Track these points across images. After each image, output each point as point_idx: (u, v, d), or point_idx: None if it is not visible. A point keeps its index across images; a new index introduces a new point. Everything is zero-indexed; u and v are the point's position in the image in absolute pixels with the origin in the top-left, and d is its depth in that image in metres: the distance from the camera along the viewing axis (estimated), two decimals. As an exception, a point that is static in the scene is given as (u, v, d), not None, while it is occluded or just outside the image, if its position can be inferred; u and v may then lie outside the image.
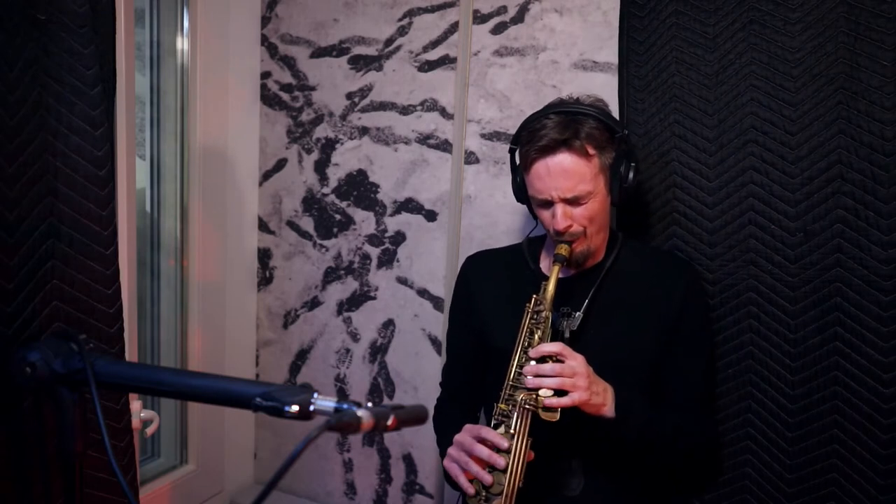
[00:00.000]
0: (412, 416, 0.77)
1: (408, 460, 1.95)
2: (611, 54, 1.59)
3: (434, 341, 1.89)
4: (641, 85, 1.48)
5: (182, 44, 1.92)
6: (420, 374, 1.92)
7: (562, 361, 1.16)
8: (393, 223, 1.92)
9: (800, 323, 1.34)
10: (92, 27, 1.30)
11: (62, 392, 0.87)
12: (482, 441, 1.18)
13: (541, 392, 1.15)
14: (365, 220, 1.96)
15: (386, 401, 1.97)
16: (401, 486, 1.97)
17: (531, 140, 1.25)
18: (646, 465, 1.30)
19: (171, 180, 1.96)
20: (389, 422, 0.73)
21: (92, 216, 1.31)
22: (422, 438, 1.92)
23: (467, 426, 1.23)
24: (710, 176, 1.42)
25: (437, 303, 1.87)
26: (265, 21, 2.07)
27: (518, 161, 1.33)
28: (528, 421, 1.17)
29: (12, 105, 1.20)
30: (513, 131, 1.72)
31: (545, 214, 1.28)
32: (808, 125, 1.33)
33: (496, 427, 1.20)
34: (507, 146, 1.73)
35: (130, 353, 1.64)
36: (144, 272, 1.93)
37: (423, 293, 1.89)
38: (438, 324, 1.87)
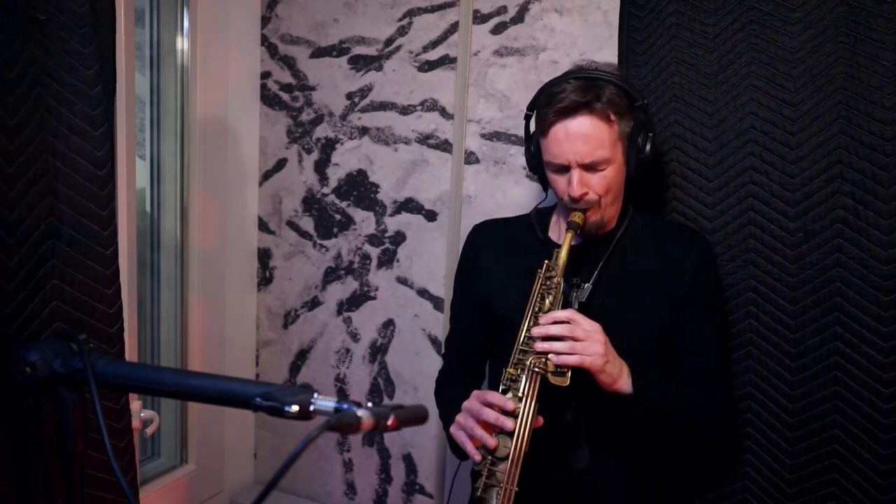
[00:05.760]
0: (412, 416, 0.77)
1: (408, 460, 1.95)
2: (611, 54, 1.59)
3: (434, 341, 1.89)
4: (641, 85, 1.48)
5: (182, 44, 1.92)
6: (420, 374, 1.91)
7: None
8: (393, 223, 1.92)
9: (800, 323, 1.34)
10: (92, 27, 1.30)
11: (62, 392, 0.87)
12: (489, 405, 1.15)
13: (550, 356, 1.13)
14: (365, 220, 1.96)
15: (386, 401, 1.97)
16: (401, 486, 1.97)
17: (550, 103, 1.23)
18: (659, 441, 1.27)
19: (171, 180, 1.96)
20: (389, 422, 0.73)
21: (92, 216, 1.31)
22: (422, 438, 1.92)
23: (475, 392, 1.20)
24: (710, 176, 1.42)
25: (437, 303, 1.87)
26: (265, 21, 2.07)
27: (534, 126, 1.30)
28: (537, 384, 1.14)
29: (12, 105, 1.20)
30: (513, 131, 1.74)
31: (560, 181, 1.26)
32: (808, 125, 1.33)
33: (504, 392, 1.17)
34: (507, 146, 1.75)
35: (130, 353, 1.64)
36: (144, 272, 1.92)
37: (423, 293, 1.89)
38: (438, 324, 1.87)
